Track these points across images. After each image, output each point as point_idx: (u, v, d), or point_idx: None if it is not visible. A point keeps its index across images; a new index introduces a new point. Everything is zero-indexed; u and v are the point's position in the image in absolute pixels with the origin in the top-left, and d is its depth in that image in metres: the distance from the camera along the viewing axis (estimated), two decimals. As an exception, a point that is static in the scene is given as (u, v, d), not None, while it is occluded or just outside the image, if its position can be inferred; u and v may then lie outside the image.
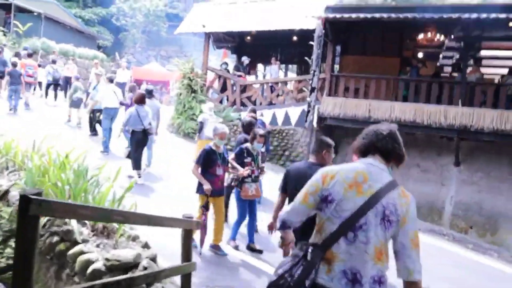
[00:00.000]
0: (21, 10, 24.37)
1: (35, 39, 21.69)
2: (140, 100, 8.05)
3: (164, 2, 37.78)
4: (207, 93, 13.56)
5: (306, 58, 10.81)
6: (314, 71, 10.59)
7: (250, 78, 14.41)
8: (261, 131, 5.91)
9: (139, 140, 7.85)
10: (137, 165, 7.87)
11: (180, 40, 36.11)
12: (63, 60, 19.83)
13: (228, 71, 14.14)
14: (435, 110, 10.41)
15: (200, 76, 13.00)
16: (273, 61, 13.75)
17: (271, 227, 4.20)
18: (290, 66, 17.81)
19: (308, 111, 10.88)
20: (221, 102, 13.44)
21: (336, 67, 13.39)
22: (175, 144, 12.24)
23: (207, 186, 5.30)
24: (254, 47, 15.64)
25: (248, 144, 5.93)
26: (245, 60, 14.05)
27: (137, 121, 7.81)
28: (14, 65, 12.47)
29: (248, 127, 7.09)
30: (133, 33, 37.11)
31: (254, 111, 9.03)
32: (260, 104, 12.96)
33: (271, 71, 13.57)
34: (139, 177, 7.81)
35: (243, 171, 5.59)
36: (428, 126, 10.51)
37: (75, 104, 11.67)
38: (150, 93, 9.16)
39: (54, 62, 15.37)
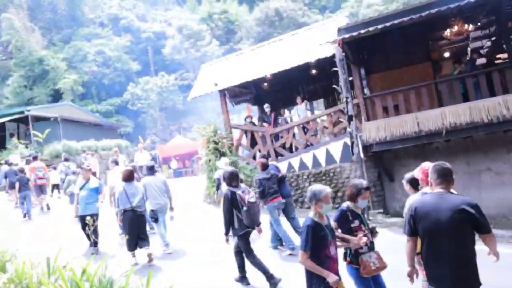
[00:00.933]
0: (38, 119, 24.75)
1: (55, 143, 21.67)
2: (128, 178, 7.63)
3: (174, 76, 38.27)
4: (237, 152, 12.62)
5: (334, 86, 9.82)
6: (346, 97, 9.52)
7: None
8: (364, 182, 4.56)
9: (130, 219, 7.38)
10: (131, 246, 7.47)
11: (198, 108, 36.17)
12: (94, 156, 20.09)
13: (254, 124, 13.26)
14: (493, 103, 9.08)
15: (225, 136, 12.13)
16: (298, 101, 12.79)
17: (411, 275, 3.82)
18: (315, 104, 16.87)
19: (352, 143, 9.72)
20: (254, 158, 12.44)
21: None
22: (210, 215, 11.02)
23: (332, 278, 3.86)
24: (274, 93, 14.83)
25: (348, 203, 4.50)
26: (266, 108, 13.15)
27: (125, 200, 7.37)
28: (21, 171, 12.77)
29: (231, 178, 6.17)
30: (151, 113, 37.48)
31: (265, 156, 8.81)
32: (296, 149, 11.88)
33: (298, 112, 12.61)
34: (133, 256, 7.53)
35: (359, 241, 4.13)
36: (489, 123, 9.14)
37: (72, 199, 10.79)
38: (151, 169, 8.53)
39: (66, 160, 15.07)
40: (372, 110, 10.70)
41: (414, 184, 4.60)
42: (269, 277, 5.87)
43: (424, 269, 3.62)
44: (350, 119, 9.60)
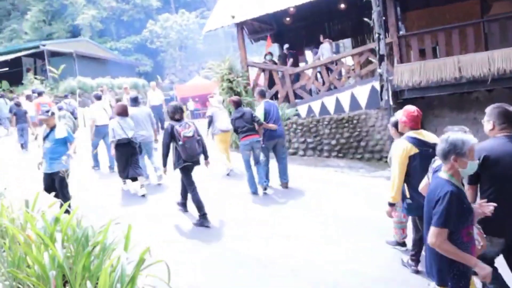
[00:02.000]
0: (54, 54, 24.02)
1: (70, 80, 21.00)
2: (122, 112, 7.56)
3: (195, 14, 36.65)
4: (254, 93, 11.59)
5: (366, 19, 8.54)
6: (379, 34, 8.32)
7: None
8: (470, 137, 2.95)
9: (124, 150, 7.40)
10: (122, 174, 7.55)
11: (219, 49, 34.67)
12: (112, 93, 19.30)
13: (274, 63, 12.10)
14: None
15: (241, 75, 11.05)
16: (322, 40, 11.49)
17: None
18: (341, 44, 15.42)
19: (382, 87, 8.61)
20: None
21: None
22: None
23: (484, 269, 2.65)
24: (297, 30, 13.54)
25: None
26: (286, 49, 11.97)
27: (121, 132, 7.32)
28: (18, 105, 12.99)
29: (174, 112, 6.12)
30: (170, 52, 36.34)
31: (262, 93, 8.05)
32: (318, 92, 10.79)
33: (322, 51, 11.36)
34: (124, 183, 7.79)
35: (483, 209, 2.91)
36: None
37: None
38: (135, 101, 8.38)
39: (66, 96, 14.35)
40: (406, 51, 9.49)
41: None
42: (203, 215, 6.00)
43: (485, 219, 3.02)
44: (381, 59, 8.44)
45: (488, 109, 3.35)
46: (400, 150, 3.88)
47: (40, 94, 13.72)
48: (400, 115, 4.09)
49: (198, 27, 36.28)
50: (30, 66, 25.61)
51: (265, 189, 7.24)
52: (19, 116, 12.45)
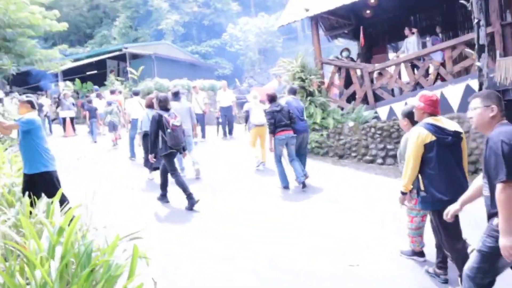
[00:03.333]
0: (135, 56, 24.80)
1: (148, 80, 21.41)
2: (150, 105, 8.00)
3: (275, 17, 36.13)
4: (329, 93, 10.55)
5: (462, 2, 7.15)
6: (478, 20, 6.92)
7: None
8: None
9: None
10: (148, 165, 7.80)
11: (299, 52, 33.94)
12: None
13: (352, 60, 10.96)
14: None
15: (315, 73, 10.06)
16: (407, 32, 10.11)
17: None
18: (428, 39, 13.72)
19: (481, 84, 7.18)
20: (348, 101, 10.29)
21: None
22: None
23: None
24: (378, 25, 12.24)
25: None
26: (343, 52, 10.81)
27: (148, 125, 7.35)
28: (89, 101, 14.59)
29: (163, 102, 6.57)
30: (249, 56, 36.17)
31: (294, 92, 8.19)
32: (401, 92, 9.50)
33: (407, 46, 10.01)
34: (150, 173, 8.03)
35: None
36: None
37: (110, 127, 12.37)
38: (176, 95, 8.51)
39: (136, 94, 14.61)
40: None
41: (413, 118, 3.96)
42: (188, 195, 6.32)
43: None
44: (481, 49, 7.02)
45: (483, 94, 2.87)
46: (415, 137, 3.57)
47: (112, 92, 14.75)
48: (416, 101, 3.75)
49: (277, 30, 35.80)
50: (113, 68, 26.79)
51: (303, 186, 7.23)
52: (90, 112, 13.95)
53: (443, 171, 3.53)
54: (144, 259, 3.17)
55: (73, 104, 16.01)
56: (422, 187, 3.63)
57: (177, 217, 6.15)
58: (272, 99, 7.48)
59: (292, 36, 38.71)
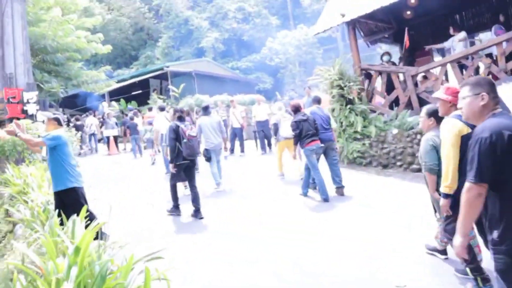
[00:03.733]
0: (176, 74, 25.25)
1: (189, 97, 21.68)
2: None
3: (315, 27, 35.90)
4: (371, 100, 10.06)
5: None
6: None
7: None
8: None
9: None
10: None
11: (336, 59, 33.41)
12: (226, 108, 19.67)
13: (394, 64, 10.46)
14: None
15: (354, 80, 9.64)
16: (452, 31, 9.53)
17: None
18: (477, 38, 12.92)
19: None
20: (391, 107, 9.78)
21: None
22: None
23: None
24: (420, 26, 11.66)
25: None
26: (384, 56, 10.30)
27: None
28: (131, 118, 15.00)
29: (178, 112, 7.09)
30: (290, 69, 36.05)
31: (318, 101, 8.12)
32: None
33: (452, 45, 9.39)
34: (185, 188, 7.97)
35: None
36: None
37: (149, 144, 13.33)
38: (206, 110, 8.67)
39: (162, 109, 14.83)
40: None
41: (438, 116, 3.77)
42: (175, 206, 6.74)
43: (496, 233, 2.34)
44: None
45: (472, 81, 2.56)
46: (452, 129, 3.28)
47: (150, 110, 15.39)
48: (441, 95, 3.54)
49: (317, 41, 35.49)
50: (156, 87, 27.45)
51: (339, 189, 7.25)
52: (131, 129, 14.54)
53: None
54: (165, 281, 2.94)
55: (116, 124, 16.40)
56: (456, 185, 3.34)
57: (199, 224, 6.34)
58: (296, 109, 7.47)
59: (332, 46, 38.25)
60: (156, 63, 39.28)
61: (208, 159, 8.36)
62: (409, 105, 9.22)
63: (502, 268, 2.30)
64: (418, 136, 8.51)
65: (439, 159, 3.72)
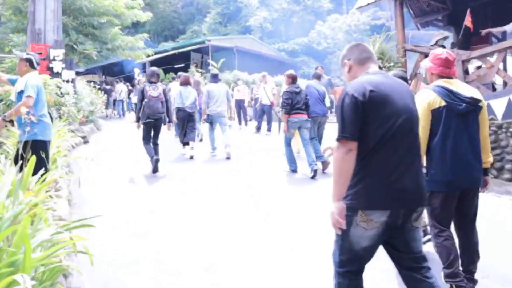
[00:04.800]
0: (218, 49, 24.64)
1: (227, 73, 21.02)
2: (184, 82, 8.73)
3: (366, 14, 34.10)
4: (417, 85, 8.86)
5: None
6: None
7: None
8: None
9: (183, 117, 8.53)
10: (181, 139, 8.70)
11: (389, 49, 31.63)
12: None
13: (444, 47, 9.16)
14: None
15: (396, 62, 8.49)
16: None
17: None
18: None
19: None
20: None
21: None
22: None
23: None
24: (479, 9, 10.15)
25: None
26: (440, 41, 8.91)
27: (180, 101, 8.51)
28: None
29: (151, 75, 7.36)
30: (337, 54, 34.52)
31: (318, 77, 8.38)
32: (505, 86, 7.64)
33: None
34: (183, 148, 8.73)
35: None
36: None
37: None
38: (215, 77, 9.09)
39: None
40: None
41: None
42: (151, 157, 7.08)
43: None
44: None
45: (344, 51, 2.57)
46: (421, 100, 2.96)
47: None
48: (426, 63, 3.21)
49: (368, 28, 33.74)
50: (197, 60, 26.91)
51: (314, 175, 6.99)
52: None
53: (449, 145, 2.94)
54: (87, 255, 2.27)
55: (146, 91, 15.94)
56: (423, 163, 3.00)
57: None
58: (293, 79, 7.41)
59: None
60: (202, 38, 38.89)
61: (210, 124, 8.82)
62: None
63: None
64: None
65: None
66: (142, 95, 7.02)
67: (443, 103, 2.92)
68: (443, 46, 8.98)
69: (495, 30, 8.64)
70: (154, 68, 7.52)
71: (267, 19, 36.81)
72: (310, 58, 35.58)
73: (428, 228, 3.45)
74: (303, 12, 37.37)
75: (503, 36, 10.87)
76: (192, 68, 23.05)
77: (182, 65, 24.99)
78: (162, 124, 7.33)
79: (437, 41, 9.05)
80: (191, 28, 41.95)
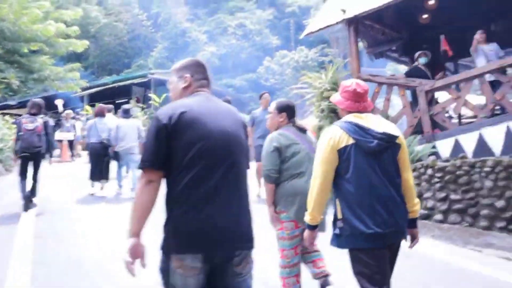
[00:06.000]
0: (161, 83, 23.48)
1: (167, 108, 19.72)
2: (99, 113, 8.67)
3: (314, 51, 34.22)
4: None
5: None
6: None
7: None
8: None
9: (96, 151, 8.36)
10: (92, 176, 8.38)
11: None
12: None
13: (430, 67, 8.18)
14: None
15: (350, 92, 7.52)
16: (479, 38, 7.39)
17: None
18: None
19: None
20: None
21: None
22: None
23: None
24: (437, 38, 9.45)
25: None
26: (420, 57, 8.11)
27: (95, 133, 8.39)
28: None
29: (31, 107, 7.09)
30: (286, 91, 34.26)
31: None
32: (473, 119, 6.81)
33: (486, 55, 7.23)
34: (92, 186, 8.45)
35: None
36: None
37: None
38: (126, 113, 8.69)
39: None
40: None
41: (292, 113, 3.61)
42: (23, 194, 6.86)
43: None
44: None
45: (178, 64, 2.35)
46: (325, 139, 2.56)
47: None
48: (334, 96, 2.80)
49: (316, 64, 33.80)
50: (139, 95, 25.48)
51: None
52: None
53: (362, 190, 2.44)
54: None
55: (73, 127, 14.21)
56: (339, 214, 2.53)
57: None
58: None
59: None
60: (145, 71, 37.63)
61: (117, 161, 8.54)
62: (419, 128, 7.06)
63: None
64: (429, 171, 6.31)
65: (282, 163, 3.36)
66: (19, 127, 6.84)
67: (351, 141, 2.49)
68: (425, 64, 8.11)
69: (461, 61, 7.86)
70: (36, 100, 7.28)
71: (215, 54, 36.21)
72: (257, 94, 35.05)
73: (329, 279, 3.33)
74: (252, 48, 37.15)
75: (456, 69, 10.36)
76: (132, 103, 21.63)
77: (125, 99, 23.52)
78: (42, 159, 7.09)
79: (417, 58, 8.20)
80: (137, 62, 40.63)
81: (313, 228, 2.67)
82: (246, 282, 2.04)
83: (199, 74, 2.24)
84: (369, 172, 2.48)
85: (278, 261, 3.36)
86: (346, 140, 2.49)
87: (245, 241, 2.04)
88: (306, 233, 2.73)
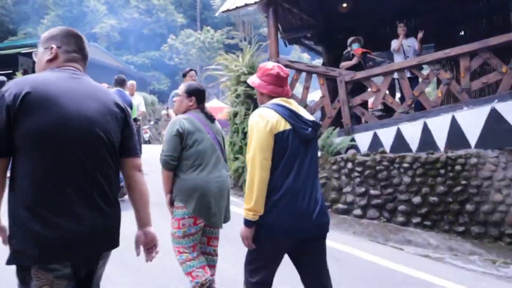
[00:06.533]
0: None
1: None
2: None
3: (221, 33, 33.53)
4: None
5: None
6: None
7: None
8: None
9: None
10: None
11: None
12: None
13: (369, 53, 7.85)
14: None
15: (268, 78, 7.09)
16: (401, 31, 7.44)
17: None
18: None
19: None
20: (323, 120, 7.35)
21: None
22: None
23: None
24: (353, 31, 9.29)
25: None
26: (353, 42, 7.92)
27: None
28: None
29: None
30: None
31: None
32: (392, 113, 6.77)
33: (404, 50, 7.27)
34: None
35: None
36: None
37: None
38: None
39: None
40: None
41: (201, 98, 3.35)
42: None
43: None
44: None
45: (46, 34, 1.98)
46: (261, 121, 2.29)
47: None
48: (253, 80, 2.52)
49: (222, 46, 33.18)
50: (27, 67, 22.80)
51: None
52: None
53: (299, 181, 2.29)
54: None
55: None
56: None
57: None
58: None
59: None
60: (35, 40, 33.91)
61: None
62: (337, 120, 6.86)
63: None
64: (349, 165, 6.13)
65: (182, 151, 3.05)
66: None
67: (288, 126, 2.31)
68: (364, 52, 7.80)
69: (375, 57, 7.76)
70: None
71: (115, 28, 33.81)
72: (161, 73, 33.56)
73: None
74: (155, 24, 35.31)
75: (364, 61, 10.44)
76: (18, 75, 19.23)
77: (9, 71, 20.83)
78: None
79: (350, 44, 7.87)
80: (24, 30, 36.38)
81: (253, 224, 2.36)
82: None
83: (69, 45, 1.93)
84: (302, 162, 2.34)
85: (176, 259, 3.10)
86: (284, 124, 2.31)
87: (107, 242, 1.86)
88: (245, 231, 2.38)
